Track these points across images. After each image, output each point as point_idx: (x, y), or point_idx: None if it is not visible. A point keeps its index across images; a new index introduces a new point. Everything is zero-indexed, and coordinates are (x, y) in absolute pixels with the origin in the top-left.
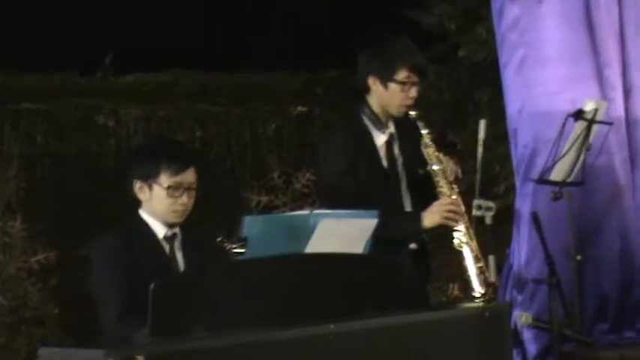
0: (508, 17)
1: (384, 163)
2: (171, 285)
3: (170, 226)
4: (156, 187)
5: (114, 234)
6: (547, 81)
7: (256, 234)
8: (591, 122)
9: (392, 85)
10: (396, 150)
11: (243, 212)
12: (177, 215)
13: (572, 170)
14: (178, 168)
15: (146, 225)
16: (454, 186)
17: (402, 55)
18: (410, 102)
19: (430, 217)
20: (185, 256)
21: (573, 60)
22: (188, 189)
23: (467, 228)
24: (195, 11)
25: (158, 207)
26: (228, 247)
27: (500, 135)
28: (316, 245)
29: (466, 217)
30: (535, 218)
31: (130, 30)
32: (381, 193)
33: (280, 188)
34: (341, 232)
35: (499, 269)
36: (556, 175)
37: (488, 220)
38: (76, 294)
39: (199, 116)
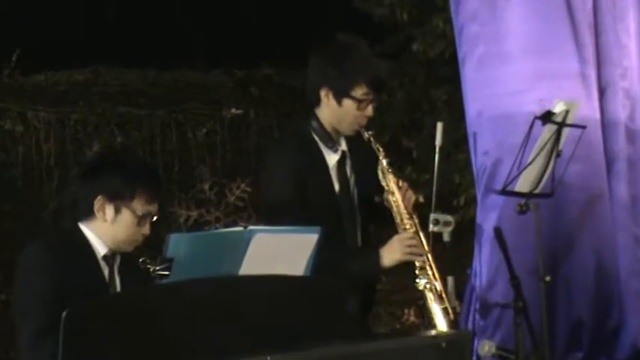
0: (467, 6)
1: (336, 185)
2: (84, 313)
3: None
4: (125, 212)
5: (47, 243)
6: (511, 79)
7: (183, 254)
8: (561, 125)
9: (346, 102)
10: (348, 169)
11: (169, 229)
12: (134, 245)
13: (540, 180)
14: (154, 196)
15: (86, 241)
16: (414, 216)
17: (363, 69)
18: (365, 121)
19: (390, 255)
20: (122, 281)
21: (541, 54)
22: (151, 220)
23: (429, 265)
24: (115, 1)
25: (119, 233)
26: (151, 270)
27: (460, 140)
28: (251, 265)
29: (427, 252)
30: (498, 234)
31: (40, 23)
32: (330, 220)
33: (212, 201)
34: (279, 249)
35: (460, 292)
36: (522, 185)
37: (446, 237)
38: None
39: (120, 120)
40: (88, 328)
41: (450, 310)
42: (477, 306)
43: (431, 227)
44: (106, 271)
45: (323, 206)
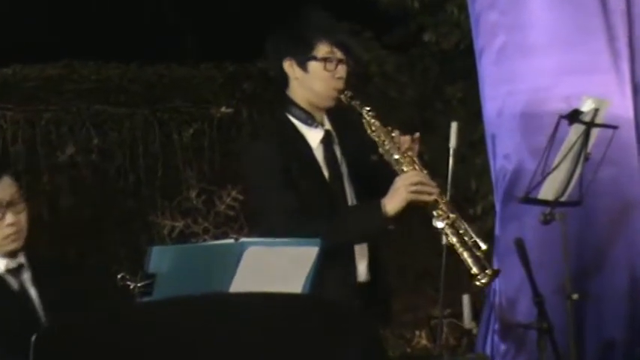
0: None
1: (325, 171)
2: (56, 335)
3: (10, 255)
4: None
5: None
6: (534, 73)
7: (167, 269)
8: (590, 125)
9: (312, 65)
10: (337, 152)
11: (152, 241)
12: (11, 240)
13: (566, 186)
14: None
15: None
16: (416, 159)
17: (320, 28)
18: (338, 84)
19: (394, 198)
20: (40, 291)
21: (569, 46)
22: (9, 206)
23: (443, 201)
24: None
25: None
26: (131, 287)
27: (477, 142)
28: (243, 281)
29: (438, 189)
30: (520, 247)
31: (7, 10)
32: (323, 211)
33: (199, 210)
34: (274, 264)
35: (476, 312)
36: (546, 192)
37: None
38: None
39: (97, 119)
40: (60, 352)
41: (480, 244)
42: (497, 327)
43: (444, 239)
44: (15, 285)
45: (312, 192)
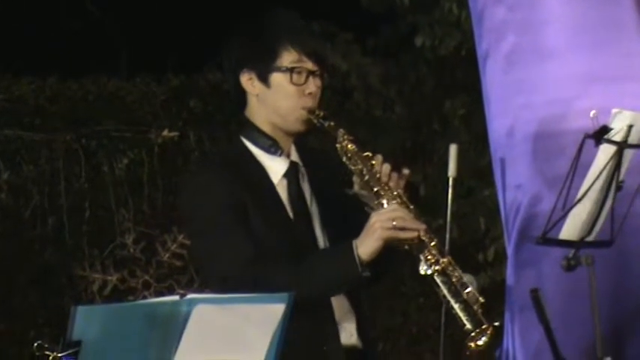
0: None
1: (289, 210)
2: None
3: None
4: None
5: None
6: (554, 82)
7: (95, 334)
8: (623, 146)
9: (276, 78)
10: (307, 189)
11: (78, 300)
12: None
13: (594, 223)
14: None
15: None
16: (401, 193)
17: (285, 31)
18: (308, 102)
19: (368, 238)
20: None
21: (596, 47)
22: None
23: (433, 243)
24: None
25: None
26: (50, 357)
27: (485, 169)
28: (191, 348)
29: (425, 227)
30: (537, 300)
31: None
32: (284, 258)
33: (138, 260)
34: (230, 325)
35: None
36: (569, 231)
37: None
38: None
39: (6, 148)
40: None
41: (478, 296)
42: None
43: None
44: None
45: (271, 235)
